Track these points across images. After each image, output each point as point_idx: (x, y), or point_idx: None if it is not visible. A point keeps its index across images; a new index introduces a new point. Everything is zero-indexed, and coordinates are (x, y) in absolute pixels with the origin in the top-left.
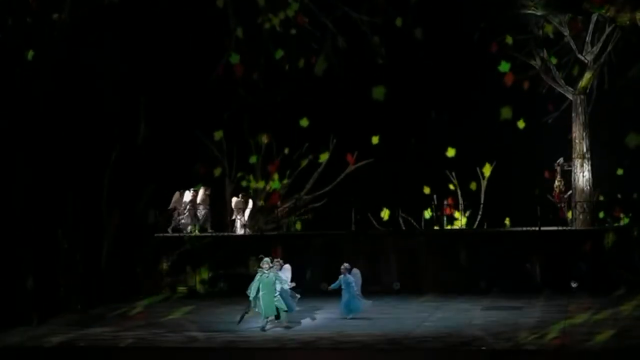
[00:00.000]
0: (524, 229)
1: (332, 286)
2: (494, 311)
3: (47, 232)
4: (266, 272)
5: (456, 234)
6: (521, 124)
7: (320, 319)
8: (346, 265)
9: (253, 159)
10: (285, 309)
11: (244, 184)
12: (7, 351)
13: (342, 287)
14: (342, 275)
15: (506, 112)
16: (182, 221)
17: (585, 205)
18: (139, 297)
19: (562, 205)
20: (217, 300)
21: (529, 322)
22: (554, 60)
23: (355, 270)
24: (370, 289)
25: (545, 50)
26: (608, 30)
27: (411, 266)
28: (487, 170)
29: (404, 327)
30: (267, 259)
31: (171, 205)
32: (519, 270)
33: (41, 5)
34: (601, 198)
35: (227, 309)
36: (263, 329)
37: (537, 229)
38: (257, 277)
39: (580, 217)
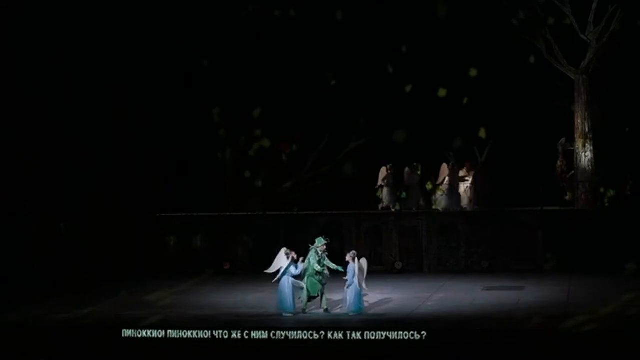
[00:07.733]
0: (527, 208)
1: (349, 281)
2: (496, 291)
3: (44, 211)
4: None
5: (458, 213)
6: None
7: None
8: (354, 252)
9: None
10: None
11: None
12: (9, 329)
13: (348, 277)
14: (350, 264)
15: None
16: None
17: (587, 185)
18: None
19: (564, 185)
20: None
21: (530, 302)
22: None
23: (363, 260)
24: (372, 269)
25: (547, 31)
26: (611, 10)
27: (413, 246)
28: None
29: (406, 307)
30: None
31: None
32: (521, 250)
33: None
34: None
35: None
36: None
37: (539, 208)
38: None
39: (583, 197)
